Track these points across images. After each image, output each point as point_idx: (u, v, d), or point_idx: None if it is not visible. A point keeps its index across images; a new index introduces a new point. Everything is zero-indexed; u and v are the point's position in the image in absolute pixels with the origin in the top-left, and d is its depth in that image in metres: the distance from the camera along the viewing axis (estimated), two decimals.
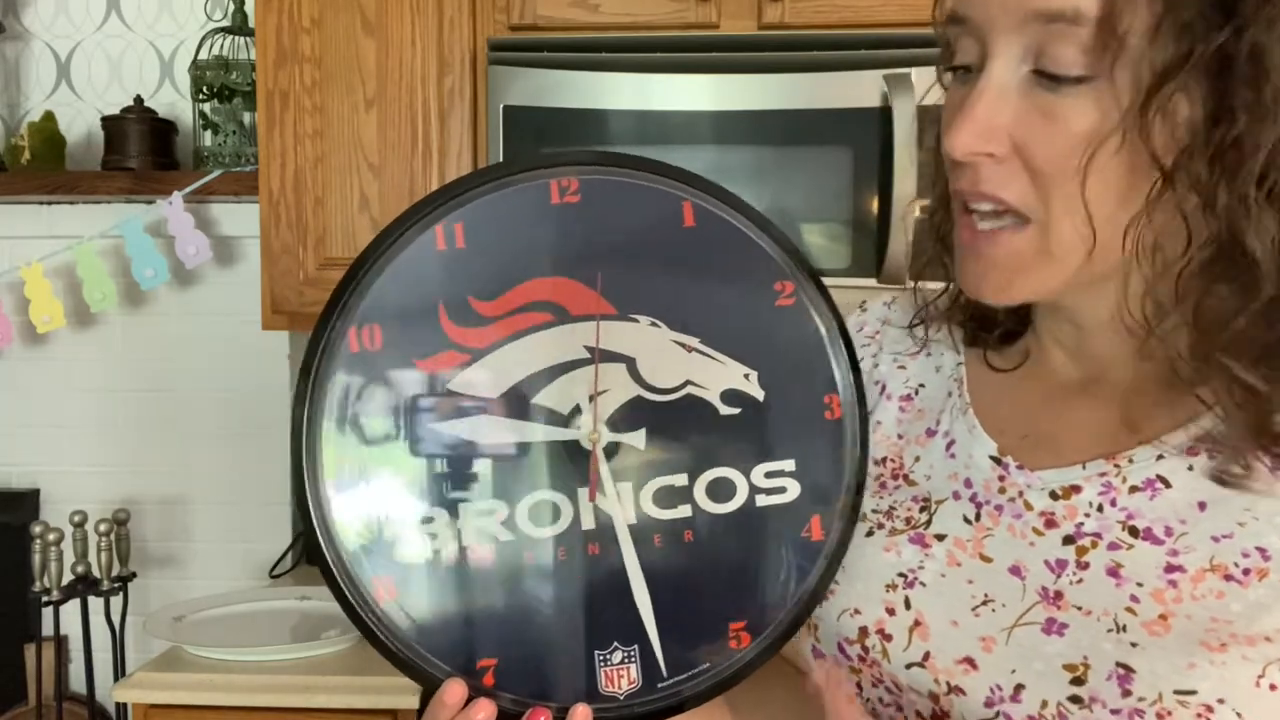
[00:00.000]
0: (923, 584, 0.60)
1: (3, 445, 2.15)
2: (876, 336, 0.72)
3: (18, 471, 2.15)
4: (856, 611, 0.61)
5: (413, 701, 1.51)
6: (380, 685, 1.52)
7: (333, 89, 1.79)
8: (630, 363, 0.54)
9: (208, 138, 2.03)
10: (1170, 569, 0.54)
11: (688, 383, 0.54)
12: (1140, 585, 0.54)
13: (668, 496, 0.55)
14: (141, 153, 1.99)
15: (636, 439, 0.54)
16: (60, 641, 1.92)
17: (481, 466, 0.53)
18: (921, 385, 0.69)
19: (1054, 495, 0.58)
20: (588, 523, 0.54)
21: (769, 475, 0.55)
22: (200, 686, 1.54)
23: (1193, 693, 0.50)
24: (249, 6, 2.01)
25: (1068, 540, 0.57)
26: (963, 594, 0.58)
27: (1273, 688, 0.49)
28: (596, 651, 0.54)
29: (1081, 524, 0.57)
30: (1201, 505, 0.54)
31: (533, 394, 0.53)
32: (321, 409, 0.52)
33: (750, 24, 1.73)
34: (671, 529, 0.55)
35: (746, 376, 0.55)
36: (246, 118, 2.04)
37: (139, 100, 2.01)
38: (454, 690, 0.52)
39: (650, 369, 0.54)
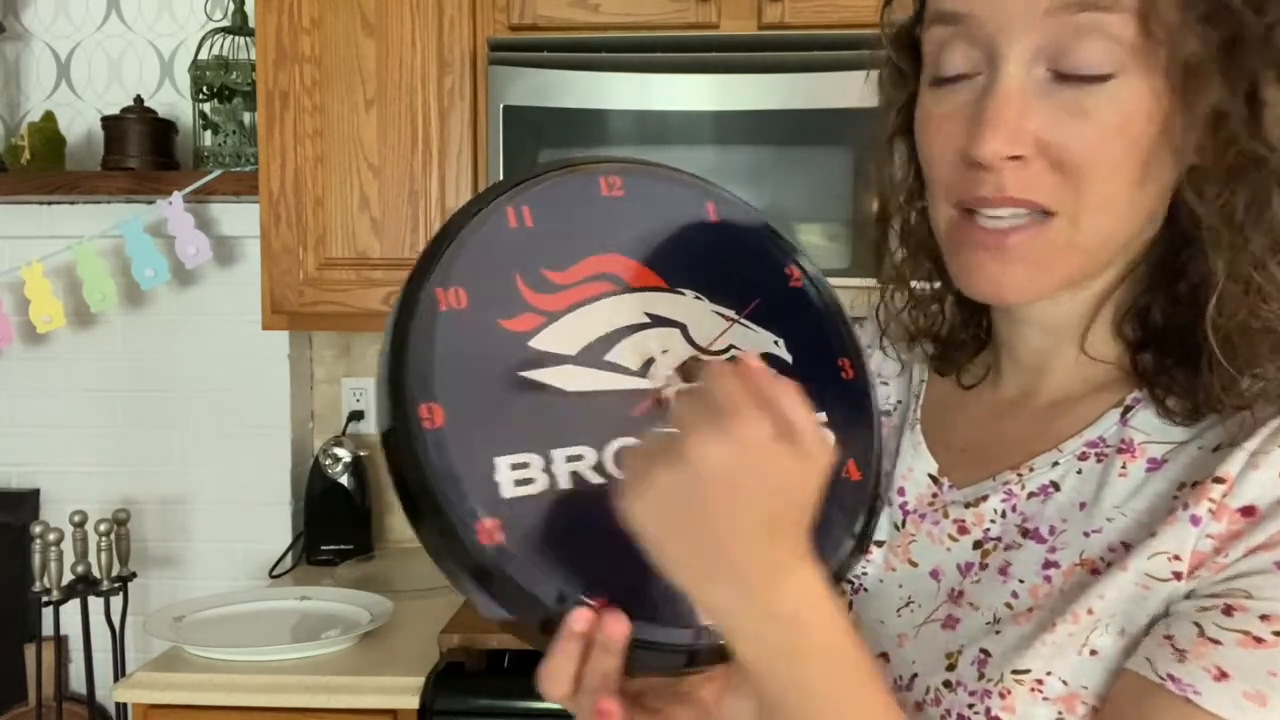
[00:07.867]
0: (865, 589, 0.65)
1: (3, 445, 2.15)
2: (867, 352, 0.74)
3: (18, 471, 2.15)
4: None
5: (413, 701, 1.51)
6: (380, 685, 1.52)
7: (333, 89, 1.79)
8: (683, 328, 0.59)
9: (208, 138, 2.03)
10: (1048, 565, 0.56)
11: (731, 346, 0.59)
12: (1021, 582, 0.57)
13: None
14: (141, 153, 1.98)
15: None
16: (60, 641, 1.93)
17: (568, 414, 0.54)
18: (899, 402, 0.72)
19: (967, 505, 0.62)
20: None
21: None
22: (200, 686, 1.54)
23: (1026, 671, 0.53)
24: (249, 6, 2.01)
25: (977, 545, 0.61)
26: (893, 596, 0.63)
27: (1093, 653, 0.52)
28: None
29: (988, 529, 0.60)
30: (1081, 505, 0.56)
31: (605, 352, 0.57)
32: (407, 361, 0.52)
33: (750, 24, 1.73)
34: None
35: (776, 343, 0.60)
36: (246, 118, 2.03)
37: (139, 100, 2.01)
38: (582, 615, 0.49)
39: (699, 333, 0.59)
